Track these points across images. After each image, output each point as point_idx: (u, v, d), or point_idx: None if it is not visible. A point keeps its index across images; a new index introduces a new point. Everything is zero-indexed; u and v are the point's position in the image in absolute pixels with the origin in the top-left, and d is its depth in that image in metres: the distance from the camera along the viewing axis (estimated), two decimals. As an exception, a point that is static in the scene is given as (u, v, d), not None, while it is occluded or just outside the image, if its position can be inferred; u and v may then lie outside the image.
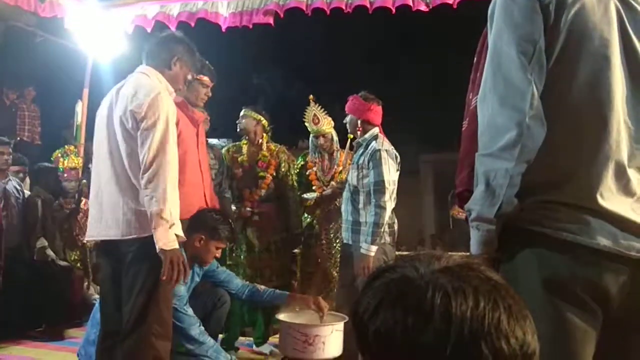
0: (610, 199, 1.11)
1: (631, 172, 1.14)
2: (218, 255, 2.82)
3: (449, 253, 0.67)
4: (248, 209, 3.75)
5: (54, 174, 4.90)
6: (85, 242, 4.58)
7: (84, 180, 5.05)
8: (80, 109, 5.57)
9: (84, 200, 4.75)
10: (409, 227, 3.80)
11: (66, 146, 5.39)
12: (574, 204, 1.11)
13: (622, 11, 1.17)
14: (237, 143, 3.96)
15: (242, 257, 3.72)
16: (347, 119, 3.26)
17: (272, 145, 3.90)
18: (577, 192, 1.11)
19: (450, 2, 4.09)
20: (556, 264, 1.11)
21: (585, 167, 1.12)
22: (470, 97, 1.37)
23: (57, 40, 6.37)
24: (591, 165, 1.12)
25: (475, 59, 1.38)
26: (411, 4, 4.09)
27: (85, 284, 4.69)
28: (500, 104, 1.13)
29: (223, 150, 3.91)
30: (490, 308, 0.58)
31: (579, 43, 1.13)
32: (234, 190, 3.80)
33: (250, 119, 3.80)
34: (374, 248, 2.95)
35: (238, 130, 3.88)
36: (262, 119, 3.83)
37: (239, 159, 3.83)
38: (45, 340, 3.95)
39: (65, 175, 4.93)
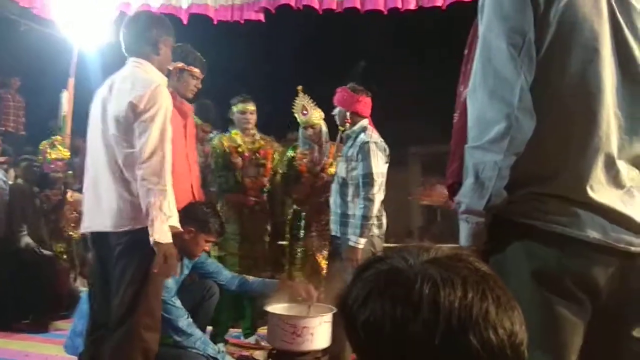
0: (600, 191, 1.12)
1: (620, 164, 1.14)
2: (207, 249, 2.81)
3: (438, 245, 0.67)
4: (252, 198, 3.75)
5: (37, 164, 4.85)
6: (73, 233, 4.54)
7: (70, 172, 5.00)
8: (66, 99, 5.49)
9: (69, 192, 4.71)
10: (397, 219, 3.80)
11: (52, 137, 5.32)
12: (563, 196, 1.11)
13: (613, 3, 1.17)
14: (226, 134, 3.92)
15: (236, 247, 3.69)
16: (336, 110, 3.24)
17: (264, 136, 3.93)
18: (566, 184, 1.12)
19: (439, 4, 4.20)
20: (545, 256, 1.11)
21: (575, 159, 1.12)
22: (461, 89, 1.36)
23: (41, 29, 6.26)
24: (581, 157, 1.12)
25: (465, 50, 1.38)
26: (400, 5, 4.20)
27: (72, 275, 4.65)
28: (489, 97, 1.13)
29: (215, 141, 3.88)
30: (479, 298, 0.59)
31: (568, 35, 1.13)
32: (231, 179, 3.75)
33: (254, 112, 3.84)
34: (362, 240, 2.95)
35: (238, 125, 3.84)
36: (252, 105, 3.86)
37: (239, 148, 3.80)
38: (31, 332, 3.93)
39: (52, 166, 4.87)
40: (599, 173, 1.12)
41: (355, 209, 3.02)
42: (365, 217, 2.94)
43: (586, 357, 1.13)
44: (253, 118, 3.86)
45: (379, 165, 2.99)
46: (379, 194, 2.98)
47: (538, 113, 1.10)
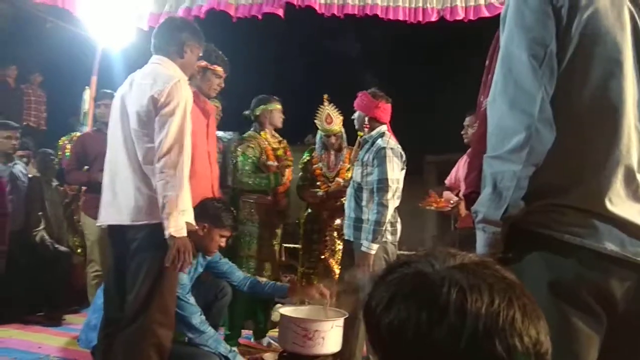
0: (619, 204, 1.11)
1: None
2: (223, 244, 2.83)
3: (464, 252, 0.68)
4: (284, 201, 3.71)
5: (56, 160, 4.92)
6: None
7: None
8: (88, 96, 5.57)
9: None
10: (410, 227, 3.79)
11: (72, 133, 5.40)
12: (582, 208, 1.11)
13: (636, 16, 1.16)
14: (254, 134, 3.72)
15: (248, 248, 3.61)
16: (355, 115, 3.24)
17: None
18: (585, 197, 1.11)
19: (460, 17, 4.25)
20: (563, 267, 1.11)
21: (595, 171, 1.12)
22: (481, 99, 1.37)
23: (67, 26, 6.35)
24: (601, 170, 1.12)
25: (487, 61, 1.38)
26: (421, 18, 4.25)
27: (86, 270, 4.70)
28: (509, 107, 1.13)
29: (252, 139, 3.67)
30: (505, 306, 0.59)
31: (591, 47, 1.12)
32: (264, 182, 3.59)
33: (280, 109, 3.76)
34: (374, 246, 2.95)
35: (271, 122, 3.73)
36: (278, 104, 3.77)
37: (277, 152, 3.70)
38: (45, 325, 3.98)
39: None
40: (618, 186, 1.12)
41: (369, 214, 3.02)
42: (378, 223, 2.93)
43: None
44: (280, 118, 3.77)
45: (395, 172, 2.98)
46: (393, 200, 2.97)
47: (558, 124, 1.10)
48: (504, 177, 1.11)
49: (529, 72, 1.11)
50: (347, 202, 3.22)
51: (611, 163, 1.12)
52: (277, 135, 3.83)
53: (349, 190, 3.23)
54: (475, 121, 1.42)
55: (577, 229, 1.10)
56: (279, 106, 3.75)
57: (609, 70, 1.12)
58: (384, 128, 3.16)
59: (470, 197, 1.31)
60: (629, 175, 1.13)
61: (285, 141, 3.86)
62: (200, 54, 2.55)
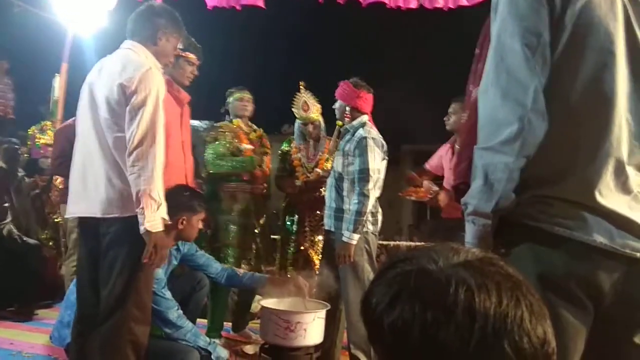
0: (608, 196, 1.11)
1: (630, 170, 1.14)
2: (201, 226, 2.79)
3: (466, 247, 0.65)
4: (262, 187, 3.71)
5: (23, 150, 4.77)
6: (59, 219, 4.47)
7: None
8: (58, 83, 5.41)
9: (59, 178, 4.63)
10: (387, 216, 3.80)
11: (42, 122, 5.24)
12: (571, 199, 1.10)
13: (628, 7, 1.15)
14: (227, 123, 3.79)
15: (230, 237, 3.61)
16: (336, 104, 3.22)
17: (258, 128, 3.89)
18: (575, 188, 1.11)
19: (440, 5, 4.26)
20: (552, 259, 1.10)
21: (585, 163, 1.11)
22: (471, 89, 1.34)
23: (36, 11, 6.15)
24: (591, 162, 1.11)
25: (477, 49, 1.35)
26: (401, 3, 4.26)
27: (59, 263, 4.59)
28: (502, 97, 1.11)
29: (224, 126, 3.73)
30: (513, 305, 0.57)
31: (584, 37, 1.11)
32: (238, 167, 3.62)
33: (251, 101, 3.79)
34: (355, 236, 2.94)
35: (235, 112, 3.76)
36: (248, 94, 3.82)
37: (250, 135, 3.73)
38: (16, 320, 3.87)
39: (42, 151, 4.80)
40: (608, 178, 1.11)
41: (350, 204, 3.00)
42: (359, 213, 2.92)
43: None
44: (250, 106, 3.80)
45: (376, 161, 2.97)
46: (374, 190, 2.96)
47: (549, 115, 1.09)
48: (496, 169, 1.10)
49: (522, 61, 1.09)
50: (328, 192, 3.20)
51: (601, 155, 1.11)
52: (252, 125, 3.84)
53: (330, 180, 3.20)
54: (464, 110, 1.40)
55: (566, 221, 1.10)
56: (244, 95, 3.77)
57: (601, 61, 1.11)
58: (365, 118, 3.14)
59: (460, 188, 1.30)
60: (619, 167, 1.12)
61: (261, 130, 3.87)
62: (180, 45, 2.46)
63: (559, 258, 1.10)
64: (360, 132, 3.04)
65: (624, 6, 1.15)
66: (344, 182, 3.08)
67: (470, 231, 1.16)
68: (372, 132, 3.04)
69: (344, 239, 2.95)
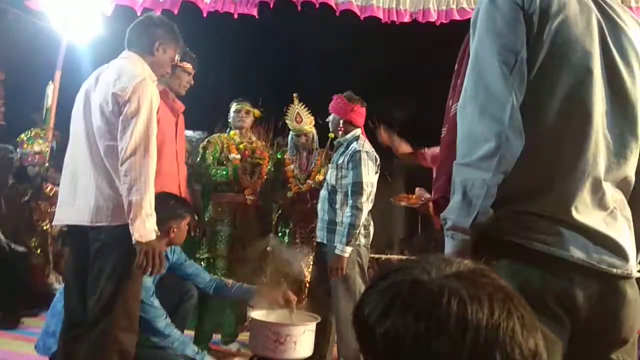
0: (585, 212, 1.12)
1: (606, 186, 1.15)
2: (188, 228, 2.79)
3: (457, 259, 0.65)
4: (250, 197, 3.71)
5: (14, 155, 4.74)
6: (48, 227, 4.44)
7: (48, 164, 4.89)
8: (52, 91, 5.38)
9: (49, 185, 4.60)
10: (378, 230, 3.80)
11: (32, 129, 5.20)
12: (548, 215, 1.11)
13: (603, 24, 1.17)
14: (224, 134, 3.87)
15: (226, 249, 3.62)
16: (330, 118, 3.24)
17: (258, 139, 3.95)
18: (552, 204, 1.11)
19: (433, 20, 4.34)
20: (529, 274, 1.10)
21: (562, 179, 1.12)
22: (450, 104, 1.35)
23: (31, 19, 6.13)
24: (568, 178, 1.12)
25: (456, 65, 1.36)
26: (395, 18, 4.33)
27: (47, 272, 4.54)
28: (479, 113, 1.12)
29: (213, 137, 3.82)
30: (505, 317, 0.58)
31: (560, 54, 1.12)
32: (226, 176, 3.66)
33: (250, 113, 3.83)
34: (348, 249, 2.94)
35: (233, 123, 3.82)
36: (256, 111, 3.86)
37: (240, 146, 3.76)
38: (2, 328, 3.81)
39: (30, 159, 4.77)
40: (584, 194, 1.12)
41: (344, 217, 3.00)
42: (353, 226, 2.92)
43: None
44: (248, 118, 3.83)
45: (369, 175, 2.99)
46: (367, 203, 2.98)
47: (527, 132, 1.09)
48: (474, 185, 1.10)
49: (500, 78, 1.10)
50: (321, 204, 3.21)
51: (578, 171, 1.12)
52: (252, 136, 3.91)
53: (323, 193, 3.21)
54: (444, 125, 1.41)
55: (544, 237, 1.10)
56: (242, 107, 3.81)
57: (578, 79, 1.12)
58: (358, 131, 3.16)
59: (439, 203, 1.30)
60: (595, 183, 1.13)
61: (257, 142, 3.91)
62: (176, 57, 2.47)
63: (536, 273, 1.10)
64: (354, 145, 3.06)
65: (599, 24, 1.17)
66: (337, 194, 3.09)
67: (449, 246, 1.16)
68: (365, 146, 3.06)
69: (337, 252, 2.95)
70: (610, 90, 1.16)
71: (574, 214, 1.10)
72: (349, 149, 3.07)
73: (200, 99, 4.21)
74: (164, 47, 2.34)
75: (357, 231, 2.95)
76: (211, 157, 3.69)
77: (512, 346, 0.56)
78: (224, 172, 3.65)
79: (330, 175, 3.15)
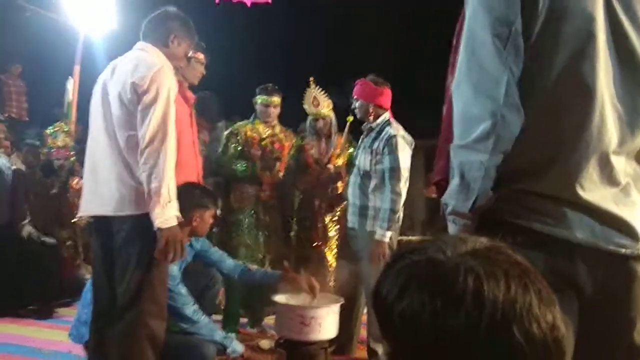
0: (591, 189, 1.07)
1: (617, 160, 1.09)
2: (213, 221, 2.82)
3: (474, 236, 0.66)
4: (267, 192, 3.69)
5: (42, 150, 4.84)
6: (76, 219, 4.54)
7: (73, 158, 4.99)
8: (71, 85, 5.47)
9: (76, 179, 4.69)
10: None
11: (56, 124, 5.30)
12: (551, 195, 1.07)
13: None
14: (249, 122, 3.77)
15: (246, 238, 3.64)
16: (357, 104, 3.20)
17: (283, 128, 3.84)
18: (555, 183, 1.07)
19: None
20: (531, 257, 1.07)
21: (565, 155, 1.07)
22: (449, 82, 1.29)
23: (48, 14, 6.21)
24: (570, 154, 1.06)
25: (454, 39, 1.30)
26: None
27: (77, 262, 4.66)
28: (474, 92, 1.07)
29: (236, 127, 3.74)
30: (522, 292, 0.58)
31: (558, 23, 1.05)
32: (247, 170, 3.64)
33: (278, 107, 3.72)
34: (389, 234, 2.96)
35: (260, 116, 3.73)
36: (277, 97, 3.74)
37: (262, 142, 3.70)
38: (37, 318, 3.93)
39: (55, 153, 4.87)
40: (590, 170, 1.07)
41: (376, 202, 3.02)
42: (393, 211, 2.94)
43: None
44: (276, 112, 3.74)
45: (406, 160, 2.99)
46: (404, 187, 2.98)
47: (526, 107, 1.04)
48: (472, 168, 1.06)
49: (493, 53, 1.04)
50: (352, 190, 3.21)
51: (581, 146, 1.06)
52: (277, 126, 3.79)
53: (353, 178, 3.22)
54: (444, 104, 1.36)
55: (546, 217, 1.06)
56: (270, 100, 3.70)
57: (579, 46, 1.06)
58: (387, 115, 3.16)
59: (440, 185, 1.26)
60: (602, 157, 1.08)
61: (285, 134, 3.81)
62: (190, 51, 2.49)
63: (539, 255, 1.04)
64: (389, 130, 3.05)
65: None
66: (370, 179, 3.08)
67: (451, 230, 1.13)
68: (400, 130, 3.06)
69: (378, 237, 2.96)
70: (618, 57, 1.09)
71: (579, 191, 1.06)
72: (383, 133, 3.06)
73: (216, 87, 4.18)
74: (179, 40, 2.35)
75: (397, 215, 2.95)
76: (233, 150, 3.67)
77: (529, 320, 0.56)
78: (244, 168, 3.63)
79: (363, 161, 3.14)
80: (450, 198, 1.11)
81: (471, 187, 1.06)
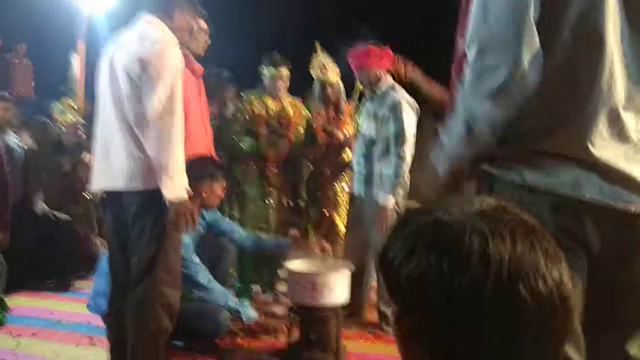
0: (602, 146, 1.06)
1: (628, 116, 1.08)
2: (221, 194, 2.85)
3: (480, 196, 0.66)
4: (273, 169, 3.68)
5: (52, 127, 4.86)
6: (88, 194, 4.59)
7: (82, 134, 4.99)
8: (76, 61, 5.45)
9: (86, 154, 4.72)
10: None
11: (63, 99, 5.29)
12: (561, 153, 1.07)
13: None
14: (258, 95, 3.71)
15: (256, 209, 3.67)
16: (365, 74, 3.14)
17: (293, 100, 3.76)
18: (565, 141, 1.07)
19: None
20: (540, 215, 1.08)
21: (574, 113, 1.06)
22: (459, 39, 1.29)
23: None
24: (580, 111, 1.06)
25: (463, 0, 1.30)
26: None
27: (91, 237, 4.72)
28: (490, 44, 1.06)
29: (246, 101, 3.68)
30: (528, 250, 0.58)
31: None
32: (253, 147, 3.63)
33: (283, 76, 3.63)
34: (392, 200, 2.96)
35: (268, 89, 3.67)
36: (286, 69, 3.64)
37: (270, 120, 3.65)
38: (56, 291, 4.03)
39: (65, 130, 4.88)
40: (600, 127, 1.06)
41: (382, 168, 3.00)
42: (398, 176, 2.93)
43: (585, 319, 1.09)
44: (285, 85, 3.67)
45: (411, 125, 2.97)
46: (410, 152, 2.96)
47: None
48: (480, 121, 1.06)
49: (509, 6, 1.03)
50: (357, 157, 3.20)
51: (591, 102, 1.06)
52: (285, 98, 3.72)
53: (358, 146, 3.20)
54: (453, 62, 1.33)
55: (555, 177, 1.06)
56: (279, 73, 3.61)
57: (588, 4, 1.05)
58: (390, 79, 3.11)
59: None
60: (613, 114, 1.07)
61: (294, 107, 3.74)
62: (194, 25, 2.45)
63: (547, 214, 1.06)
64: (393, 95, 3.02)
65: None
66: (375, 146, 3.07)
67: (437, 167, 1.14)
68: (405, 96, 3.02)
69: (381, 202, 2.97)
70: (627, 15, 1.08)
71: (590, 148, 1.05)
72: (387, 99, 3.03)
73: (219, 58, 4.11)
74: (182, 12, 2.32)
75: (402, 180, 2.95)
76: (238, 127, 3.63)
77: (535, 277, 0.57)
78: (249, 145, 3.61)
79: (367, 127, 3.12)
80: (449, 141, 1.11)
81: (474, 140, 1.07)
